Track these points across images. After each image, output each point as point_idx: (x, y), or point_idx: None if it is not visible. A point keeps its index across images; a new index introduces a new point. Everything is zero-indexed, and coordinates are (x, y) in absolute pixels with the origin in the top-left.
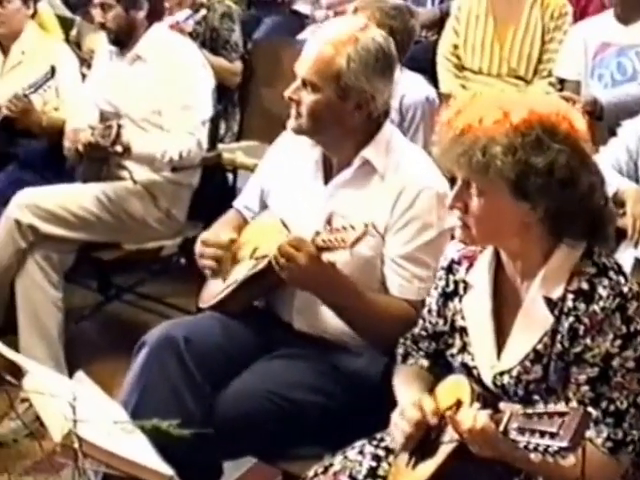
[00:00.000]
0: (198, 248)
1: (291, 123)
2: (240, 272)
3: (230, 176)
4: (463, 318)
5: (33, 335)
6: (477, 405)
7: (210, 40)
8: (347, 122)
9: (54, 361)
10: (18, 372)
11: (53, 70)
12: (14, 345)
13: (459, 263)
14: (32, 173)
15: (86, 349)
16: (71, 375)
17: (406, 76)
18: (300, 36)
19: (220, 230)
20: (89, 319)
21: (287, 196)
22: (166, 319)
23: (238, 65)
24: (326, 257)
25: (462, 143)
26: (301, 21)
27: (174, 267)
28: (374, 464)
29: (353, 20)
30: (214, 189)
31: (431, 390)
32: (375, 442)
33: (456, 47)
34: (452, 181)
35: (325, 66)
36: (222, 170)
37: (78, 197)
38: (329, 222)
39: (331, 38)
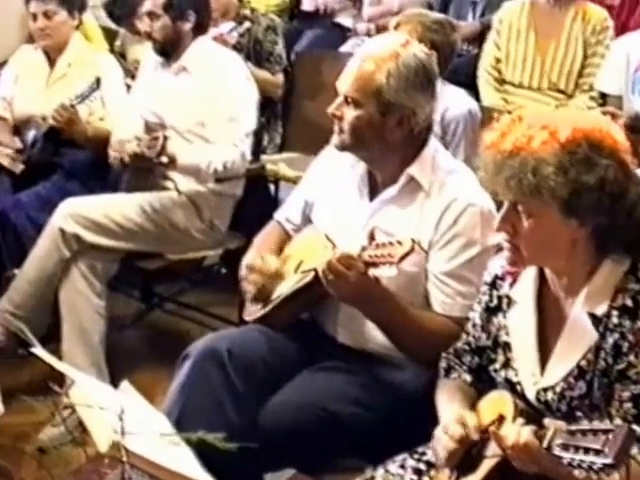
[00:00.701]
0: (243, 272)
1: (334, 139)
2: (285, 286)
3: (272, 187)
4: (507, 333)
5: (76, 343)
6: (521, 421)
7: (254, 52)
8: (389, 138)
9: (96, 368)
10: (61, 379)
11: (98, 81)
12: (57, 352)
13: (503, 279)
14: (77, 183)
15: (128, 357)
16: (113, 382)
17: (448, 90)
18: (342, 49)
19: (264, 248)
20: (131, 327)
21: (331, 211)
22: (206, 328)
23: (281, 77)
24: (372, 272)
25: (511, 166)
26: (343, 34)
27: (215, 277)
28: (415, 478)
29: (394, 37)
30: (256, 200)
31: (473, 405)
32: (417, 456)
33: (497, 61)
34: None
35: (366, 82)
36: (264, 181)
37: (122, 207)
38: (372, 237)
39: (372, 54)
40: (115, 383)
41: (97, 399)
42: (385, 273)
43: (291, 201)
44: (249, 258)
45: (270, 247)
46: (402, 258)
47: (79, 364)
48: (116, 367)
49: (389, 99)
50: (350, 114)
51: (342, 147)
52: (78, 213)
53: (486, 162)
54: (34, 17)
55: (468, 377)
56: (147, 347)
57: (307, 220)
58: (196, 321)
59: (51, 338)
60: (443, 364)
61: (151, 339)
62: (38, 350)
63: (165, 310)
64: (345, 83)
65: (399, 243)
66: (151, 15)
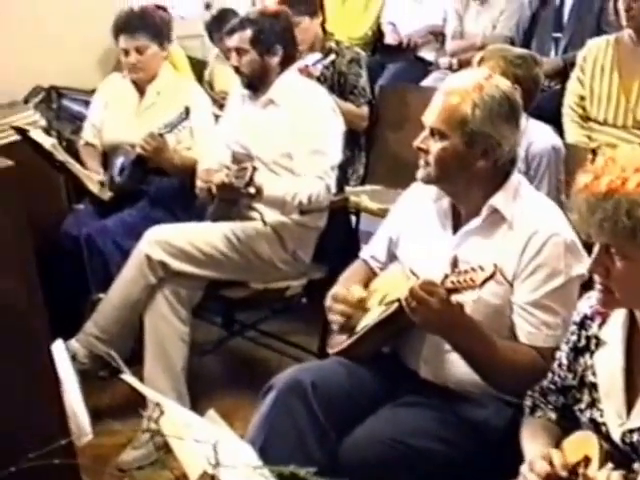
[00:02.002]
0: (328, 302)
1: (420, 173)
2: (369, 318)
3: (353, 219)
4: (594, 374)
5: (158, 367)
6: (610, 465)
7: (338, 85)
8: (474, 169)
9: (177, 393)
10: (142, 402)
11: (188, 111)
12: (139, 375)
13: (592, 319)
14: (162, 210)
15: (207, 382)
16: (192, 407)
17: (532, 125)
18: (424, 82)
19: (349, 283)
20: (212, 353)
21: (415, 246)
22: (286, 357)
23: (365, 110)
24: (454, 298)
25: (604, 208)
26: (425, 68)
27: (296, 306)
28: None
29: (477, 71)
30: (337, 231)
31: (558, 444)
32: None
33: (581, 98)
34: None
35: (451, 113)
36: (346, 213)
37: (208, 236)
38: (454, 265)
39: (456, 87)
40: (195, 408)
41: (189, 429)
42: (467, 298)
43: (376, 239)
44: (335, 289)
45: (355, 282)
46: (484, 282)
47: (161, 388)
48: (196, 392)
49: (474, 129)
50: (436, 146)
51: (428, 180)
52: (164, 240)
53: (579, 204)
54: (125, 52)
55: (553, 415)
56: (227, 373)
57: (392, 257)
58: (276, 349)
59: (133, 362)
60: (528, 402)
61: (231, 366)
62: (127, 377)
63: (246, 337)
64: (430, 116)
65: (481, 268)
66: (238, 50)
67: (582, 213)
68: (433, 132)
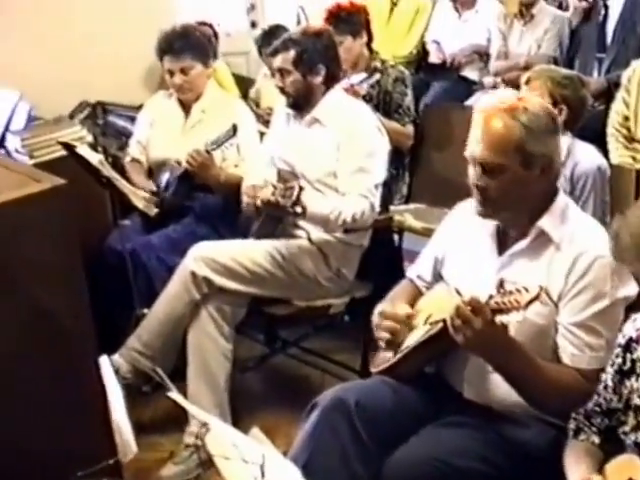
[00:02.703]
0: (375, 319)
1: (477, 209)
2: (413, 337)
3: (396, 237)
4: (639, 397)
5: (201, 383)
6: None
7: (383, 103)
8: (533, 191)
9: (219, 409)
10: (184, 417)
11: (235, 128)
12: (181, 391)
13: (637, 342)
14: (207, 227)
15: (249, 399)
16: (234, 423)
17: (578, 145)
18: (468, 102)
19: (396, 302)
20: (253, 370)
21: (461, 266)
22: (327, 374)
23: (410, 129)
24: (498, 319)
25: None
26: (469, 87)
27: (338, 323)
28: None
29: (506, 92)
30: (381, 250)
31: (601, 468)
32: None
33: (626, 119)
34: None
35: (503, 142)
36: (389, 231)
37: (252, 253)
38: (500, 286)
39: (496, 113)
40: (236, 424)
41: (236, 448)
42: (512, 318)
43: (422, 258)
44: (382, 306)
45: (402, 301)
46: (529, 303)
47: (203, 404)
48: (237, 408)
49: (529, 150)
50: (495, 182)
51: (487, 215)
52: (209, 257)
53: (625, 242)
54: (170, 73)
55: (596, 439)
56: (268, 390)
57: (438, 277)
58: (318, 367)
59: (176, 377)
60: (572, 425)
61: (273, 382)
62: (174, 394)
63: (288, 354)
64: (480, 150)
65: (526, 290)
66: (282, 71)
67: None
68: (487, 166)
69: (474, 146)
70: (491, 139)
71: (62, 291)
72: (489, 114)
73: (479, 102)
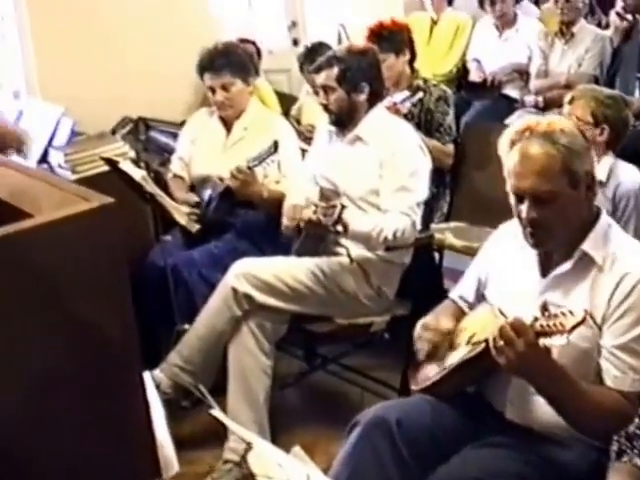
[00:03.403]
0: (417, 331)
1: (531, 242)
2: (456, 357)
3: (436, 255)
4: None
5: (240, 399)
6: None
7: (425, 122)
8: (580, 211)
9: (258, 426)
10: (223, 433)
11: (276, 145)
12: (221, 406)
13: None
14: (248, 243)
15: (288, 415)
16: (273, 440)
17: (620, 166)
18: (508, 120)
19: (439, 316)
20: (293, 386)
21: (504, 287)
22: (367, 392)
23: (451, 148)
24: (542, 342)
25: None
26: (510, 105)
27: (378, 341)
28: None
29: (534, 119)
30: (421, 268)
31: None
32: None
33: None
34: None
35: (549, 167)
36: (429, 249)
37: (293, 270)
38: (544, 309)
39: (533, 142)
40: (275, 441)
41: (278, 468)
42: (556, 342)
43: (465, 279)
44: (425, 319)
45: (447, 317)
46: (573, 328)
47: (242, 420)
48: (276, 425)
49: (575, 169)
50: (545, 210)
51: (541, 246)
52: (250, 273)
53: None
54: (212, 90)
55: (639, 461)
56: (307, 407)
57: (481, 297)
58: (357, 384)
59: (216, 392)
60: (614, 447)
61: (312, 399)
62: (216, 412)
63: (327, 371)
64: (527, 182)
65: (571, 313)
66: (325, 88)
67: None
68: (537, 197)
69: (520, 180)
70: (537, 168)
71: (109, 308)
72: (525, 144)
73: (500, 140)
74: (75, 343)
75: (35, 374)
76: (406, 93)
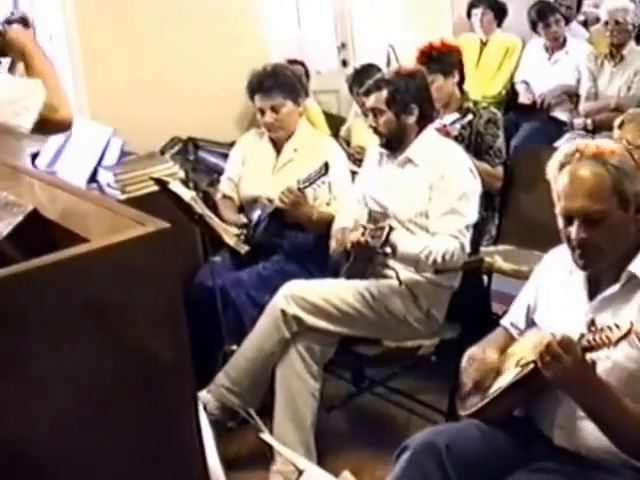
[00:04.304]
0: (463, 363)
1: (580, 263)
2: (504, 380)
3: (485, 278)
4: None
5: (287, 421)
6: None
7: (474, 144)
8: (629, 233)
9: (304, 447)
10: (270, 454)
11: (327, 166)
12: (267, 427)
13: None
14: (297, 265)
15: (334, 437)
16: (319, 462)
17: None
18: (558, 143)
19: (487, 348)
20: (339, 409)
21: (553, 312)
22: (414, 415)
23: (500, 170)
24: (588, 356)
25: None
26: (559, 128)
27: (425, 363)
28: None
29: (579, 142)
30: (470, 291)
31: None
32: None
33: None
34: None
35: (600, 187)
36: (478, 273)
37: (342, 292)
38: (591, 325)
39: (585, 164)
40: (321, 463)
41: None
42: (601, 355)
43: (516, 306)
44: (472, 350)
45: (494, 349)
46: (619, 340)
47: (289, 442)
48: (323, 447)
49: (625, 190)
50: (596, 231)
51: (590, 267)
52: (299, 295)
53: None
54: (261, 112)
55: None
56: (354, 429)
57: (531, 324)
58: (404, 407)
59: (263, 414)
60: None
61: (358, 422)
62: (266, 436)
63: (374, 393)
64: (577, 203)
65: (617, 327)
66: (375, 111)
67: None
68: (588, 217)
69: (570, 201)
70: (587, 188)
71: (164, 333)
72: (575, 166)
73: (549, 164)
74: (127, 367)
75: (86, 398)
76: (456, 115)
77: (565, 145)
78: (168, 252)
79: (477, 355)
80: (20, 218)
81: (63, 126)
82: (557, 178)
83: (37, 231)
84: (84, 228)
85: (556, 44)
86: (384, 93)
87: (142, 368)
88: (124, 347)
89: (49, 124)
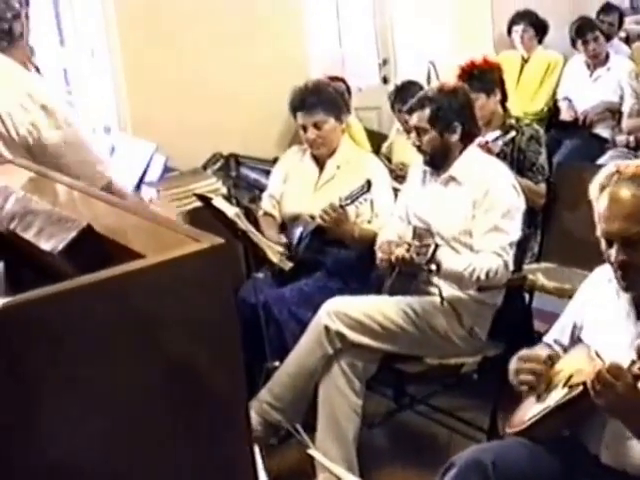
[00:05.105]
0: (514, 364)
1: (622, 285)
2: (553, 399)
3: (527, 296)
4: None
5: (330, 437)
6: None
7: (517, 161)
8: None
9: (347, 464)
10: (312, 471)
11: (369, 183)
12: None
13: None
14: (339, 281)
15: (376, 454)
16: (361, 478)
17: None
18: (601, 160)
19: (534, 350)
20: (381, 425)
21: (600, 331)
22: (456, 433)
23: (543, 187)
24: None
25: None
26: (601, 145)
27: (467, 381)
28: None
29: (622, 163)
30: (511, 308)
31: None
32: None
33: None
34: None
35: (637, 209)
36: (520, 290)
37: (385, 309)
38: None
39: (623, 185)
40: (364, 479)
41: None
42: None
43: (560, 323)
44: (520, 352)
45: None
46: None
47: (332, 458)
48: (364, 463)
49: None
50: (637, 252)
51: (632, 289)
52: (343, 312)
53: None
54: (304, 128)
55: None
56: (395, 446)
57: (576, 341)
58: (445, 425)
59: (305, 430)
60: None
61: (400, 439)
62: (315, 453)
63: (415, 411)
64: (617, 225)
65: None
66: (418, 129)
67: None
68: (627, 239)
69: (610, 224)
70: (625, 211)
71: (219, 353)
72: (614, 188)
73: (591, 185)
74: (179, 385)
75: (136, 417)
76: (497, 132)
77: (607, 165)
78: (223, 268)
79: (529, 354)
80: (74, 234)
81: None
82: (598, 200)
83: (91, 247)
84: (138, 243)
85: (596, 61)
86: (427, 112)
87: (195, 386)
88: (176, 366)
89: None
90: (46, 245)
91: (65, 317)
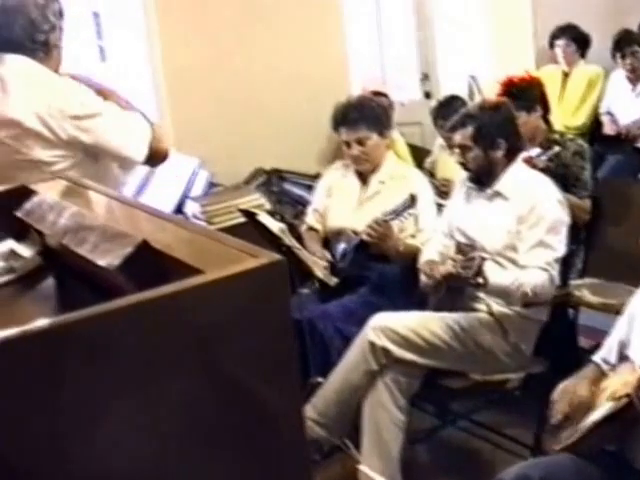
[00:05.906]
0: (556, 395)
1: None
2: (597, 414)
3: (571, 312)
4: None
5: (374, 453)
6: None
7: (561, 176)
8: None
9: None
10: None
11: (413, 199)
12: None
13: None
14: (383, 297)
15: (418, 471)
16: None
17: None
18: None
19: (579, 383)
20: (424, 441)
21: None
22: (499, 449)
23: (588, 203)
24: None
25: None
26: None
27: (510, 397)
28: None
29: None
30: (556, 324)
31: None
32: None
33: None
34: None
35: None
36: (565, 306)
37: (431, 324)
38: None
39: None
40: None
41: None
42: None
43: (608, 342)
44: (564, 383)
45: (586, 384)
46: None
47: (376, 474)
48: (408, 479)
49: None
50: None
51: None
52: (388, 327)
53: None
54: (347, 144)
55: None
56: (439, 462)
57: (624, 359)
58: (489, 441)
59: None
60: None
61: (443, 455)
62: (366, 469)
63: (458, 427)
64: None
65: None
66: (462, 147)
67: None
68: None
69: None
70: None
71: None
72: None
73: None
74: (235, 405)
75: (188, 435)
76: (540, 149)
77: None
78: (282, 285)
79: (569, 389)
80: (130, 249)
81: (166, 156)
82: None
83: (147, 262)
84: (195, 259)
85: (635, 75)
86: (469, 129)
87: (251, 405)
88: (231, 384)
89: (156, 155)
90: (102, 261)
91: (120, 334)
